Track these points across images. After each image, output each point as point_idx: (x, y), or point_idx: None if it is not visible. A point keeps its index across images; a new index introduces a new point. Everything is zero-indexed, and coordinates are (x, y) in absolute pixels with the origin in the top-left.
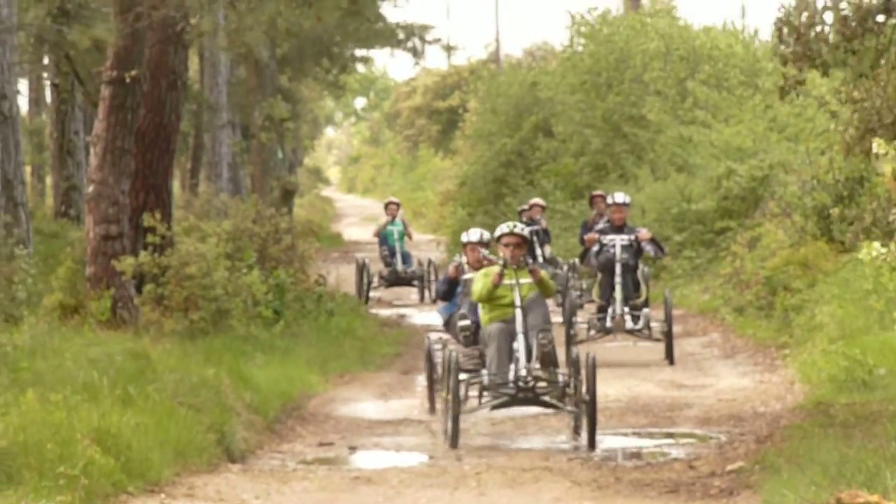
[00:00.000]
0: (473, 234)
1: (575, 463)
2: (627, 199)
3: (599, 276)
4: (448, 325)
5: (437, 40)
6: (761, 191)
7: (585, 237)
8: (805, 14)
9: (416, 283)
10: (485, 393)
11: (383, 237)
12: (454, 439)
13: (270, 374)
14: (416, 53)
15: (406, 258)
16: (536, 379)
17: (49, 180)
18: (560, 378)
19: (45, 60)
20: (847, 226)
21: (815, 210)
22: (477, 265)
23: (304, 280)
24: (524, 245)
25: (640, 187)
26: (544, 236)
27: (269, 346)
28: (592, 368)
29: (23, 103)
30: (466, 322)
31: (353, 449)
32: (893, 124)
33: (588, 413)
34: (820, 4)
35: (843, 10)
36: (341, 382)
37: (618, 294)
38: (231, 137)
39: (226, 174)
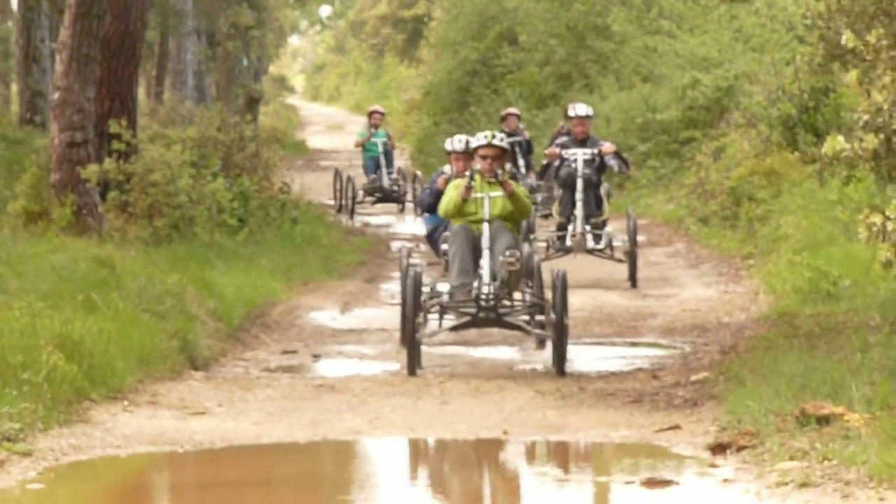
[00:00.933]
0: (458, 143)
1: (538, 372)
2: (590, 112)
3: (560, 192)
4: (431, 236)
5: None
6: (726, 101)
7: (546, 151)
8: None
9: (403, 198)
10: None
11: (367, 148)
12: (411, 365)
13: (234, 281)
14: None
15: (390, 165)
16: (499, 299)
17: (14, 87)
18: (527, 298)
19: None
20: (812, 137)
21: (781, 120)
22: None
23: (269, 188)
24: (503, 157)
25: (605, 97)
26: (527, 147)
27: (233, 253)
28: (562, 288)
29: None
30: None
31: (316, 357)
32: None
33: (556, 337)
34: None
35: None
36: (305, 290)
37: (579, 211)
38: (196, 45)
39: (191, 82)
